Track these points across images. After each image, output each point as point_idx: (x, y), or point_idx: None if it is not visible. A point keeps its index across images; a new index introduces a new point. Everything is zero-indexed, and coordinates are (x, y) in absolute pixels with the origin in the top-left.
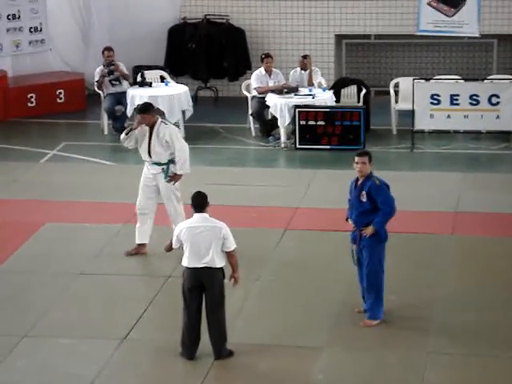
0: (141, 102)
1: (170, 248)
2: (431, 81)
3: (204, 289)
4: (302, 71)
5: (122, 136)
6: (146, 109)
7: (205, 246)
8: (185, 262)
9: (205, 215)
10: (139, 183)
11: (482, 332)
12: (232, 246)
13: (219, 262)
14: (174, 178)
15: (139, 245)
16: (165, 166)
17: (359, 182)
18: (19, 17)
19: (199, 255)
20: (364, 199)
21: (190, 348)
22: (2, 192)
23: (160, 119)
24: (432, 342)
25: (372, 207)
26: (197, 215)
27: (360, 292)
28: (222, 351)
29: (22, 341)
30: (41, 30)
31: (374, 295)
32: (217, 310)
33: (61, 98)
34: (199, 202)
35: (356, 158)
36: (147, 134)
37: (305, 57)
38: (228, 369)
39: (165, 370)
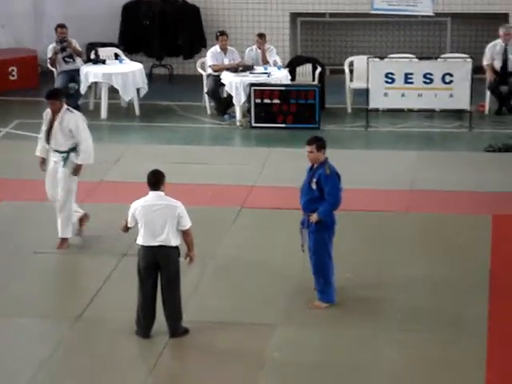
0: (95, 80)
1: (126, 228)
2: (385, 59)
3: (159, 267)
4: (258, 49)
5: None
6: (55, 95)
7: (160, 224)
8: (140, 241)
9: (160, 193)
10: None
11: (435, 309)
12: (187, 224)
13: (174, 241)
14: (76, 169)
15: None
16: (65, 154)
17: (313, 169)
18: None
19: (154, 233)
20: (314, 186)
21: (145, 326)
22: None
23: (66, 107)
24: (386, 320)
25: (320, 195)
26: (152, 193)
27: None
28: (177, 329)
29: None
30: None
31: (322, 280)
32: (172, 289)
33: (13, 76)
34: (155, 180)
35: (306, 146)
36: (48, 120)
37: (260, 35)
38: (183, 347)
39: (120, 348)
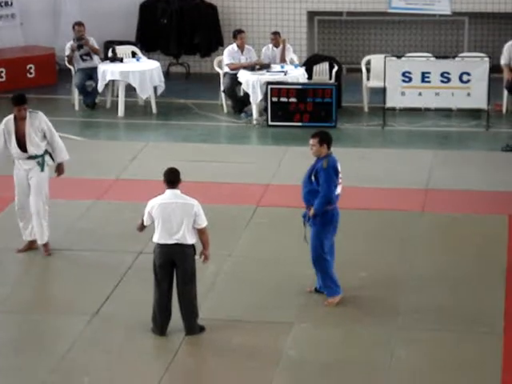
0: (112, 78)
1: (141, 227)
2: (403, 58)
3: (175, 265)
4: (274, 48)
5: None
6: (25, 99)
7: (176, 222)
8: (156, 238)
9: (177, 192)
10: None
11: (451, 308)
12: (203, 223)
13: (190, 239)
14: (61, 169)
15: (30, 241)
16: (40, 159)
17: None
18: None
19: (171, 232)
20: (313, 179)
21: (161, 324)
22: None
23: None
24: (401, 319)
25: (318, 188)
26: (169, 191)
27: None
28: (193, 327)
29: None
30: (11, 4)
31: (321, 274)
32: (188, 286)
33: (31, 73)
34: (171, 178)
35: (310, 139)
36: (13, 128)
37: (275, 33)
38: (199, 344)
39: (136, 345)
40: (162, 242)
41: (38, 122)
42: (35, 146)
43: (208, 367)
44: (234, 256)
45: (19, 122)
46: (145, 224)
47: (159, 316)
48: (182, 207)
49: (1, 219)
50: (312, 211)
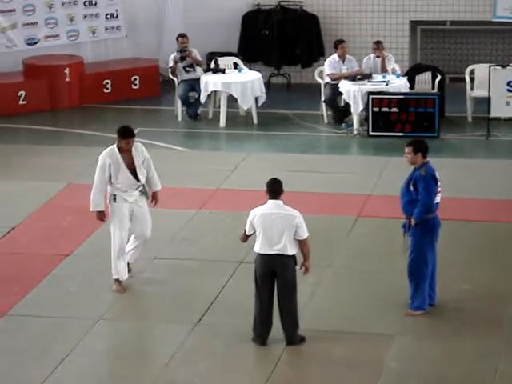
0: (214, 89)
1: (245, 237)
2: (508, 67)
3: (276, 275)
4: (376, 58)
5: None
6: (134, 133)
7: (278, 233)
8: (257, 248)
9: (279, 202)
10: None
11: None
12: (305, 234)
13: (291, 250)
14: (157, 197)
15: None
16: (142, 187)
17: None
18: (96, 3)
19: (272, 242)
20: (411, 188)
21: (261, 334)
22: (80, 177)
23: None
24: (506, 332)
25: (418, 197)
26: (271, 202)
27: None
28: (293, 337)
29: (98, 324)
30: (117, 16)
31: (414, 285)
32: (289, 297)
33: (136, 85)
34: (275, 189)
35: (405, 148)
36: (121, 160)
37: (377, 43)
38: (300, 354)
39: (237, 355)
40: (263, 252)
41: (141, 152)
42: (143, 175)
43: (309, 378)
44: (334, 267)
45: (123, 153)
46: (247, 233)
47: (260, 326)
48: (284, 218)
49: (105, 228)
50: (413, 221)
